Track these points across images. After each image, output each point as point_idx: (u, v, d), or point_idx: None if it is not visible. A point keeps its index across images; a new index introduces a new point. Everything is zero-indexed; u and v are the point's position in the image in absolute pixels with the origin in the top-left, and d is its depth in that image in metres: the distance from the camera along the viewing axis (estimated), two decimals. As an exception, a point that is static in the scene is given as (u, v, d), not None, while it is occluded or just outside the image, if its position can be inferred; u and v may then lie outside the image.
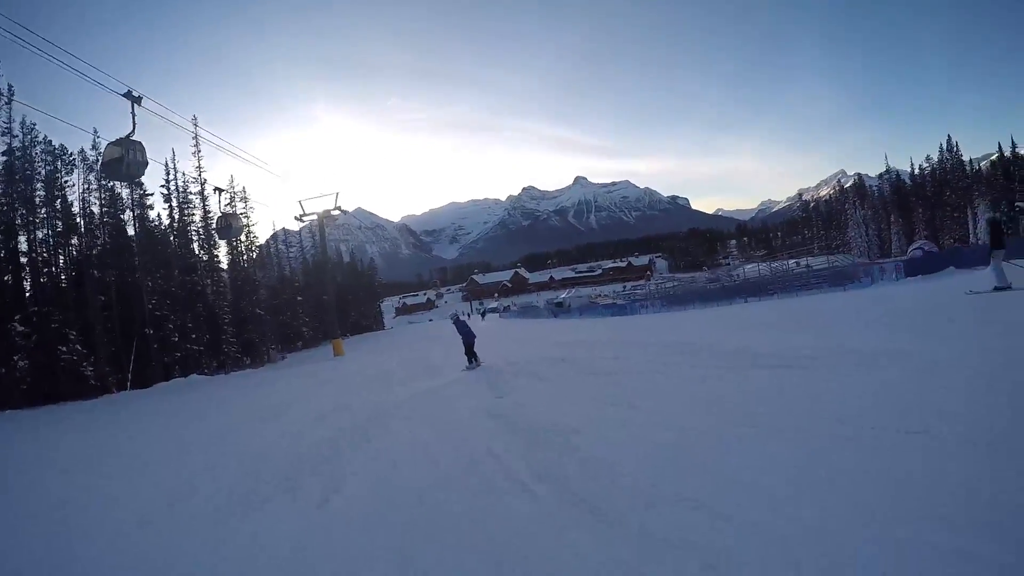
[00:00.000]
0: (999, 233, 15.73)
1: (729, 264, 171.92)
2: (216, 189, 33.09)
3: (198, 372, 39.49)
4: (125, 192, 38.92)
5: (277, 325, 68.15)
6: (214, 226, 32.62)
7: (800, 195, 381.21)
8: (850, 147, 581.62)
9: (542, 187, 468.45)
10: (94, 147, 36.60)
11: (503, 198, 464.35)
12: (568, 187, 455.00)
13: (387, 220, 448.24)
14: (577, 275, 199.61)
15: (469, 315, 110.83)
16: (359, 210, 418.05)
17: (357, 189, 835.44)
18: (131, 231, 40.41)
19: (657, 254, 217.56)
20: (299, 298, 73.74)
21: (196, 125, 42.26)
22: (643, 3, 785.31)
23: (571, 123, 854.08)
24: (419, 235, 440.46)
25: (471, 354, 16.73)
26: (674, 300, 44.52)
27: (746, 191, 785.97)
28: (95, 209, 38.16)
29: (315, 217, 44.16)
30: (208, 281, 47.93)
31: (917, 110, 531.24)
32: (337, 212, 43.54)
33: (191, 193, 46.69)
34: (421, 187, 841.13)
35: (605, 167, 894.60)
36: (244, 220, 38.46)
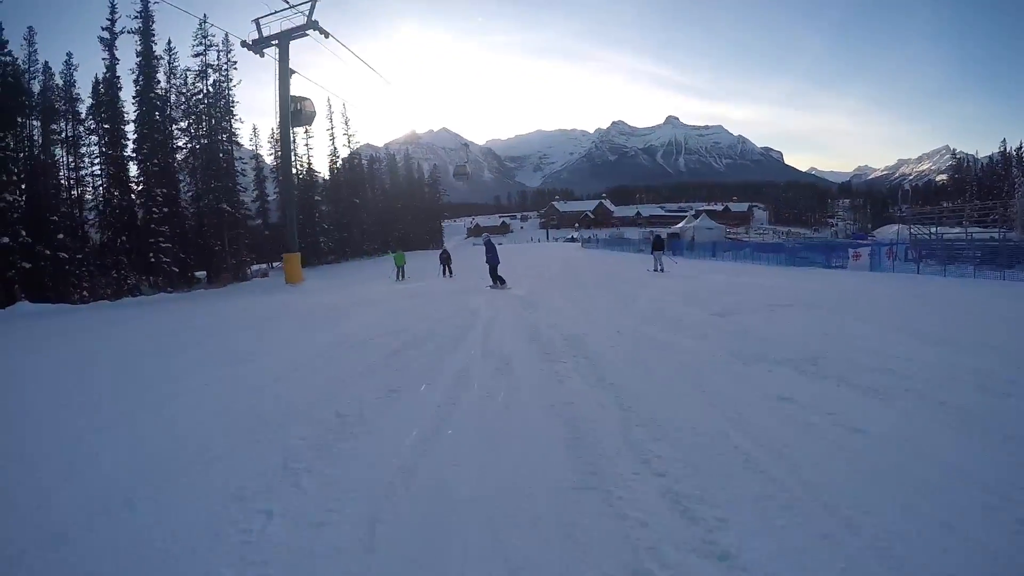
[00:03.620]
0: (660, 243, 24.83)
1: (836, 225, 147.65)
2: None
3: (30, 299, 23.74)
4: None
5: (279, 232, 50.03)
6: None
7: (899, 165, 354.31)
8: (956, 122, 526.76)
9: (632, 123, 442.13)
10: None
11: (591, 130, 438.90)
12: (659, 126, 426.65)
13: (472, 142, 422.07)
14: (667, 213, 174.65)
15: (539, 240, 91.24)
16: (444, 131, 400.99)
17: (443, 108, 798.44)
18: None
19: (755, 204, 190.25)
20: (317, 198, 54.37)
21: None
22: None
23: (666, 59, 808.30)
24: (503, 160, 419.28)
25: (495, 276, 17.17)
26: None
27: (841, 153, 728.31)
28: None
29: (275, 47, 25.75)
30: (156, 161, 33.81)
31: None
32: (312, 33, 24.48)
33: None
34: (508, 112, 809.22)
35: (697, 109, 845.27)
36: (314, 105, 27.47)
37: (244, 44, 26.86)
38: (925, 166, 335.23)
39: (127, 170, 34.16)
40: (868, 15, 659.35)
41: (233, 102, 40.97)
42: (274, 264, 56.90)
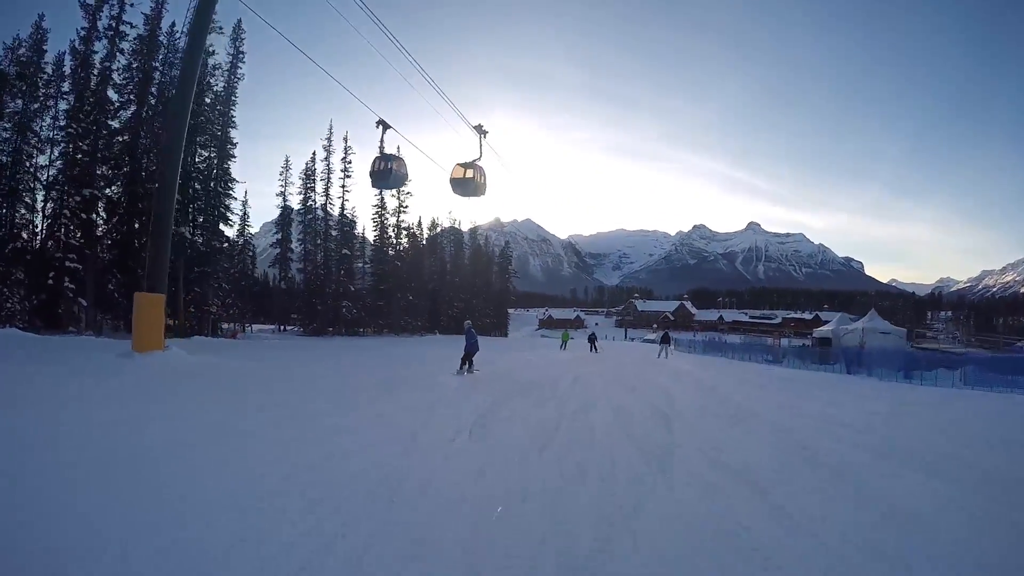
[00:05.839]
0: (668, 337, 33.97)
1: (956, 335, 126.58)
2: (380, 123, 17.37)
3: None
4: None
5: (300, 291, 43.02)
6: (369, 169, 18.77)
7: (983, 276, 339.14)
8: None
9: (713, 227, 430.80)
10: None
11: (672, 232, 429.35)
12: (740, 231, 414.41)
13: (553, 236, 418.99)
14: (751, 320, 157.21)
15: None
16: (528, 221, 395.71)
17: (529, 200, 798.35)
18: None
19: (846, 313, 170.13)
20: (345, 251, 42.16)
21: None
22: (833, 48, 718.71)
23: (747, 165, 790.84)
24: (583, 256, 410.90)
25: (468, 361, 15.64)
26: None
27: (923, 264, 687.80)
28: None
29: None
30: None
31: None
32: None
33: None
34: (592, 208, 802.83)
35: (779, 216, 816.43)
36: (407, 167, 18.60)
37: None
38: (1009, 277, 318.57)
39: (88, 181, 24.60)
40: (946, 123, 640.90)
41: (234, 101, 30.74)
42: (285, 328, 44.72)
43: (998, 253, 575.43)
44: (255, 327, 42.93)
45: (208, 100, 30.03)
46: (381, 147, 18.24)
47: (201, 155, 30.87)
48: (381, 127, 18.08)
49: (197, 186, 30.03)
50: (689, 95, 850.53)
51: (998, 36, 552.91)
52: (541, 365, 21.30)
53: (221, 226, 32.19)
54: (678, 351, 45.72)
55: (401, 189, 47.68)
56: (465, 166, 15.80)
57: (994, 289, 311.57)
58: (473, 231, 68.91)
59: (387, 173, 18.77)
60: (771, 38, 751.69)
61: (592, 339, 36.87)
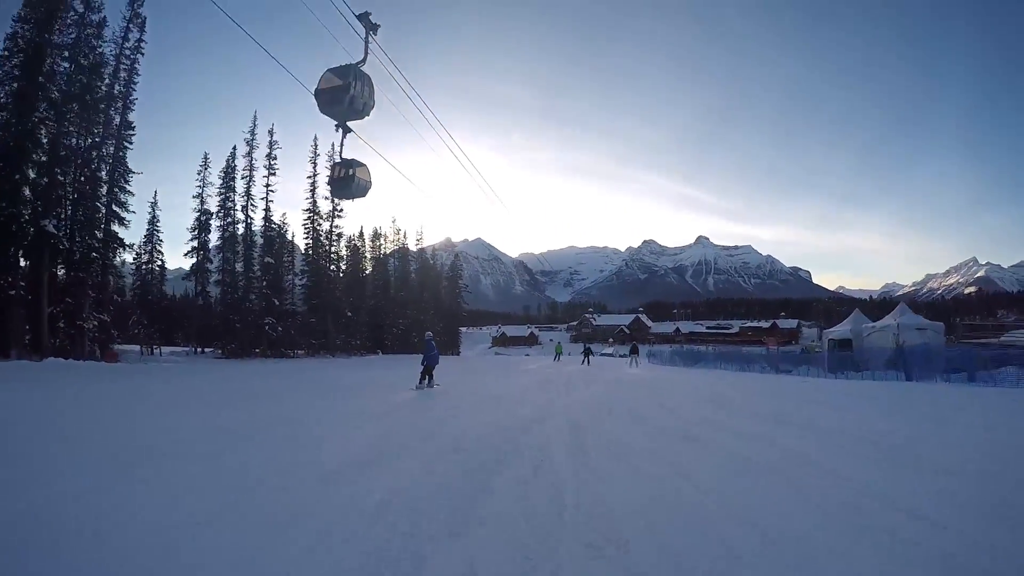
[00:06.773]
0: (636, 348, 38.29)
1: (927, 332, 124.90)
2: (339, 127, 10.38)
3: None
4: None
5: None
6: (328, 177, 15.28)
7: (927, 280, 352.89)
8: (983, 234, 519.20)
9: (663, 242, 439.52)
10: None
11: (622, 248, 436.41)
12: (689, 245, 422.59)
13: (504, 254, 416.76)
14: (708, 331, 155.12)
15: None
16: (479, 240, 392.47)
17: (478, 220, 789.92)
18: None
19: (802, 320, 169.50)
20: (269, 260, 36.96)
21: None
22: (779, 68, 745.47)
23: (697, 181, 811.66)
24: (535, 274, 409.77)
25: (428, 375, 15.83)
26: None
27: (869, 271, 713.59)
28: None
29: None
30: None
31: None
32: None
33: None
34: (542, 226, 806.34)
35: (727, 229, 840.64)
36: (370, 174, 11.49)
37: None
38: (952, 279, 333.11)
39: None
40: (890, 136, 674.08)
41: (135, 79, 26.45)
42: (203, 350, 38.52)
43: (941, 257, 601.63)
44: (166, 349, 37.22)
45: (86, 66, 24.70)
46: (341, 152, 13.50)
47: (85, 139, 25.64)
48: (341, 131, 13.30)
49: (81, 174, 24.70)
50: (640, 116, 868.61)
51: (939, 55, 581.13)
52: (505, 394, 14.49)
53: (114, 227, 26.88)
54: (661, 364, 45.04)
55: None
56: (339, 72, 9.38)
57: (939, 291, 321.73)
58: (420, 251, 63.66)
59: (349, 180, 13.74)
60: (720, 60, 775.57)
61: (587, 352, 38.98)
